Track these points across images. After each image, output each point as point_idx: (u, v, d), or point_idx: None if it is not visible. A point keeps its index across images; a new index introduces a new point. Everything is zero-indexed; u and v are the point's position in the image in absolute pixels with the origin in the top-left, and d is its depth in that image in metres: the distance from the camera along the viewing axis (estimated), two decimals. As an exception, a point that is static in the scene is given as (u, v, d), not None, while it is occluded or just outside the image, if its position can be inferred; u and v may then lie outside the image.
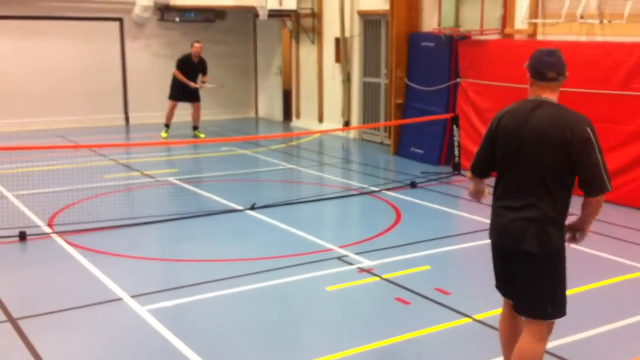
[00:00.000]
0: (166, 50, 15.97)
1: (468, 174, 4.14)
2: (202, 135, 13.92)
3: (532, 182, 3.66)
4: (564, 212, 3.76)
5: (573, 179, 3.71)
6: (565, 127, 3.59)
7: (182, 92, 13.76)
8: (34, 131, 14.38)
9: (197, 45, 13.71)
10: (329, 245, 7.05)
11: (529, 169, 3.66)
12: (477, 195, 4.13)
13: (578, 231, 3.93)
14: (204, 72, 13.91)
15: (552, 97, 3.76)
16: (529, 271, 3.74)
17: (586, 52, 9.22)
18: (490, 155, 3.85)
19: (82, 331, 5.14)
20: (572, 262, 6.65)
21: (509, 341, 4.03)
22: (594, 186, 3.66)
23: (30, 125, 14.72)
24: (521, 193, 3.70)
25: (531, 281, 3.75)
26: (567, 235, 3.91)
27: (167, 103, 13.90)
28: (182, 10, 15.76)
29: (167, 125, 13.86)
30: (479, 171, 3.98)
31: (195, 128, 14.19)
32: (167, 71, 15.39)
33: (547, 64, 3.73)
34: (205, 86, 14.01)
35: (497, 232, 3.82)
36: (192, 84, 13.68)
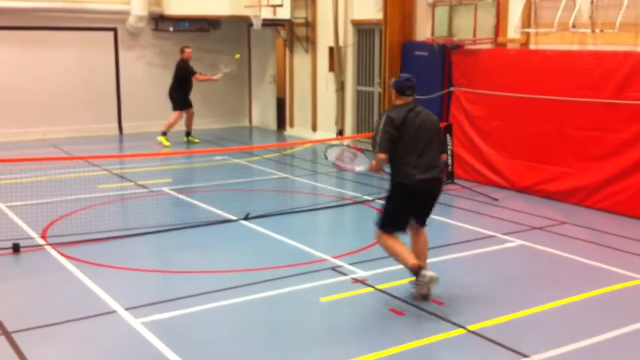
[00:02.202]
0: (160, 59, 15.97)
1: (382, 155, 5.73)
2: (197, 140, 14.27)
3: (432, 150, 5.84)
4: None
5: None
6: (433, 115, 5.98)
7: (186, 102, 14.23)
8: (29, 141, 14.35)
9: (188, 50, 14.10)
10: (323, 256, 7.05)
11: (428, 143, 5.79)
12: (379, 170, 5.92)
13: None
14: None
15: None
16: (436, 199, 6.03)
17: (578, 61, 9.28)
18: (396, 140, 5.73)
19: (76, 344, 5.12)
20: (565, 270, 6.70)
21: (415, 244, 6.09)
22: None
23: (26, 135, 14.70)
24: (428, 157, 5.79)
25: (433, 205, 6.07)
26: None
27: (173, 114, 14.14)
28: (177, 20, 15.77)
29: (165, 133, 14.01)
30: (389, 150, 5.74)
31: (188, 134, 14.44)
32: (161, 80, 15.45)
33: (408, 86, 5.90)
34: (225, 71, 14.53)
35: (424, 182, 5.77)
36: (214, 77, 14.36)
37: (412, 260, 5.77)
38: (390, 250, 5.91)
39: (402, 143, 5.74)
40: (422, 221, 6.06)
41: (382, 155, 5.73)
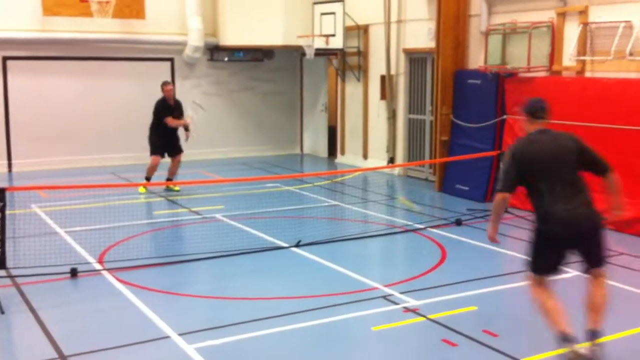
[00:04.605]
0: (215, 88, 16.33)
1: (497, 194, 5.15)
2: (177, 189, 12.21)
3: (570, 181, 4.99)
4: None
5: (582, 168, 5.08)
6: (568, 138, 5.16)
7: (165, 145, 12.26)
8: (88, 168, 14.77)
9: (168, 87, 12.15)
10: (374, 284, 7.02)
11: (563, 173, 4.98)
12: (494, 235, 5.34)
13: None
14: (181, 115, 12.37)
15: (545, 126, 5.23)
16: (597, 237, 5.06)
17: (636, 89, 9.10)
18: (519, 175, 5.04)
19: (130, 368, 5.22)
20: (622, 302, 6.51)
21: (557, 306, 5.02)
22: (605, 165, 5.14)
23: (85, 162, 15.13)
24: (566, 191, 4.93)
25: (599, 242, 5.07)
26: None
27: (150, 159, 12.25)
28: (231, 50, 16.12)
29: (149, 179, 12.15)
30: (511, 188, 5.12)
31: (169, 180, 12.36)
32: (217, 109, 15.80)
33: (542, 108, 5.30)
34: (193, 116, 12.51)
35: (562, 222, 4.90)
36: (181, 122, 12.22)
37: (561, 326, 4.89)
38: (538, 307, 5.13)
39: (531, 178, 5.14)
40: (558, 270, 5.20)
41: (501, 196, 5.19)
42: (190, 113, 12.47)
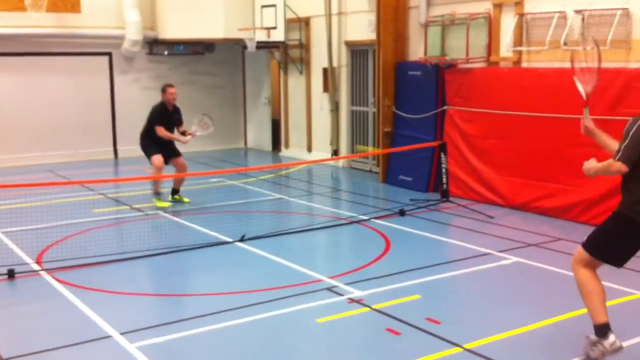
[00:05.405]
0: (155, 83, 15.98)
1: (619, 164, 4.68)
2: (186, 200, 10.91)
3: None
4: None
5: None
6: None
7: (161, 149, 10.62)
8: (24, 166, 14.36)
9: (171, 90, 10.64)
10: (319, 276, 7.03)
11: None
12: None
13: None
14: (180, 122, 10.95)
15: None
16: None
17: (571, 79, 9.27)
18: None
19: (70, 370, 5.10)
20: (561, 287, 6.65)
21: (603, 292, 4.74)
22: None
23: (21, 161, 14.71)
24: None
25: None
26: None
27: (152, 165, 10.64)
28: (171, 44, 15.88)
29: (159, 194, 10.69)
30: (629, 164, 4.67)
31: (175, 192, 10.97)
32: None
33: None
34: (197, 133, 11.07)
35: None
36: (183, 139, 10.76)
37: (602, 315, 4.69)
38: (582, 288, 4.78)
39: None
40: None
41: (619, 165, 4.67)
42: (194, 128, 10.97)
